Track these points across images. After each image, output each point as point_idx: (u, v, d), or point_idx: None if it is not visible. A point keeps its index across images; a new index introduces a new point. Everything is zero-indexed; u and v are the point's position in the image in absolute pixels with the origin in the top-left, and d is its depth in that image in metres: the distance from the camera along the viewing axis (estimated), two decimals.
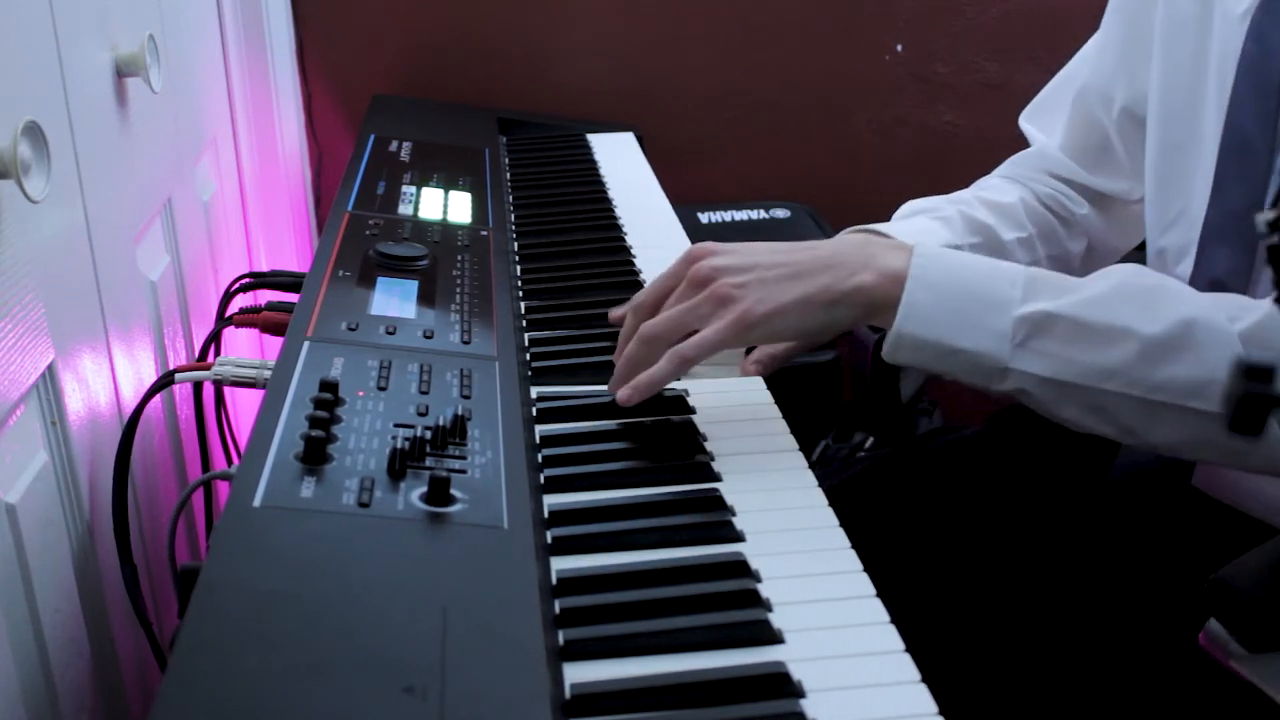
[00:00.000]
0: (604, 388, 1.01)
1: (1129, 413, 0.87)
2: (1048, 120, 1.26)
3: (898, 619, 0.74)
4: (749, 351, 1.11)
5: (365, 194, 1.33)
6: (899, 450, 1.37)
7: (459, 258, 1.17)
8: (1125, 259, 1.32)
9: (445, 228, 1.26)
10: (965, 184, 1.29)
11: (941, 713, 0.66)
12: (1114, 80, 1.16)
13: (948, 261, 0.90)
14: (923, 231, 1.16)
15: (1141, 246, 1.14)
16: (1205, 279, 1.00)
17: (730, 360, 1.08)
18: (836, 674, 0.69)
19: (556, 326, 1.14)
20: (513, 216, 1.42)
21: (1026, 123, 1.28)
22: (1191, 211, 1.03)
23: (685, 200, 1.62)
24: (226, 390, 1.30)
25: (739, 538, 0.82)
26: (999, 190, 1.24)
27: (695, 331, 0.92)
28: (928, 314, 0.88)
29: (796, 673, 0.68)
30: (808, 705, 0.67)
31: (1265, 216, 0.54)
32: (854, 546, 0.82)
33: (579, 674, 0.69)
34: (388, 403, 0.87)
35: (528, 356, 1.07)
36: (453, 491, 0.77)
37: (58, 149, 0.89)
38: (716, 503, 0.85)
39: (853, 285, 0.89)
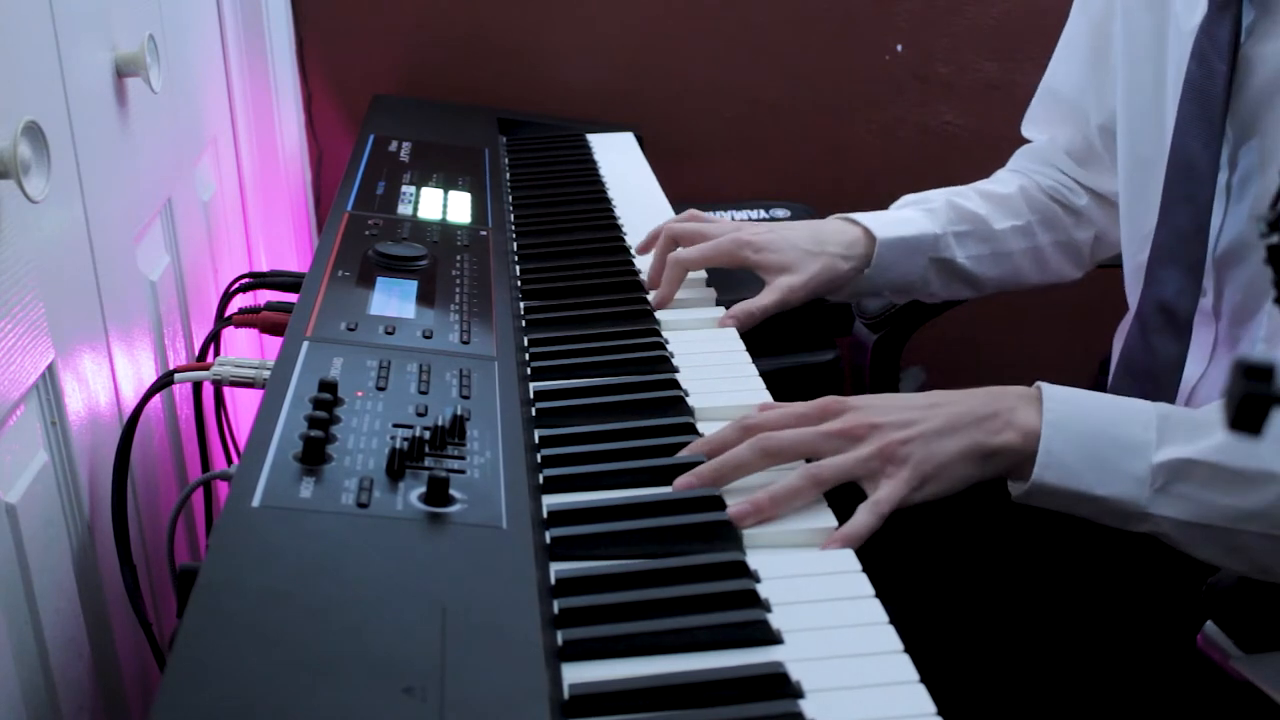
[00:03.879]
0: (601, 382, 1.01)
1: (1269, 553, 0.86)
2: (1041, 127, 1.31)
3: (896, 619, 0.74)
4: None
5: (365, 194, 1.34)
6: None
7: (458, 258, 1.17)
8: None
9: (444, 228, 1.26)
10: (965, 184, 1.31)
11: (941, 713, 0.66)
12: (1083, 98, 1.20)
13: (1079, 404, 0.88)
14: (906, 220, 1.23)
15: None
16: (1154, 300, 1.00)
17: (729, 360, 1.08)
18: (835, 674, 0.69)
19: (556, 327, 1.14)
20: (512, 216, 1.42)
21: (1027, 131, 1.33)
22: None
23: (685, 200, 1.61)
24: (226, 390, 1.30)
25: (737, 537, 0.82)
26: (1000, 182, 1.30)
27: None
28: (1065, 462, 0.87)
29: (795, 673, 0.68)
30: (806, 705, 0.67)
31: (1265, 216, 0.54)
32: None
33: (578, 674, 0.69)
34: (387, 403, 0.87)
35: (527, 356, 1.07)
36: (452, 492, 0.77)
37: (58, 149, 0.89)
38: (715, 502, 0.85)
39: (1000, 443, 0.88)
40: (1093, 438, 0.87)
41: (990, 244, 1.25)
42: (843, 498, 0.86)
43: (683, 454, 0.90)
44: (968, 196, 1.26)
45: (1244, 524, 0.85)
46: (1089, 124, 1.21)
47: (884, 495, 0.85)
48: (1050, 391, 0.89)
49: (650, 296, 1.19)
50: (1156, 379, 1.00)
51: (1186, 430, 0.86)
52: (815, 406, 0.91)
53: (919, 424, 0.87)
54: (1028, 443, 0.87)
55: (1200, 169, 0.97)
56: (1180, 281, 0.98)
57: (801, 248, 1.19)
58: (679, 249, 1.21)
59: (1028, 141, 1.33)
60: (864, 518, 0.84)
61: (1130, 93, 1.08)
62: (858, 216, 1.22)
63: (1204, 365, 1.03)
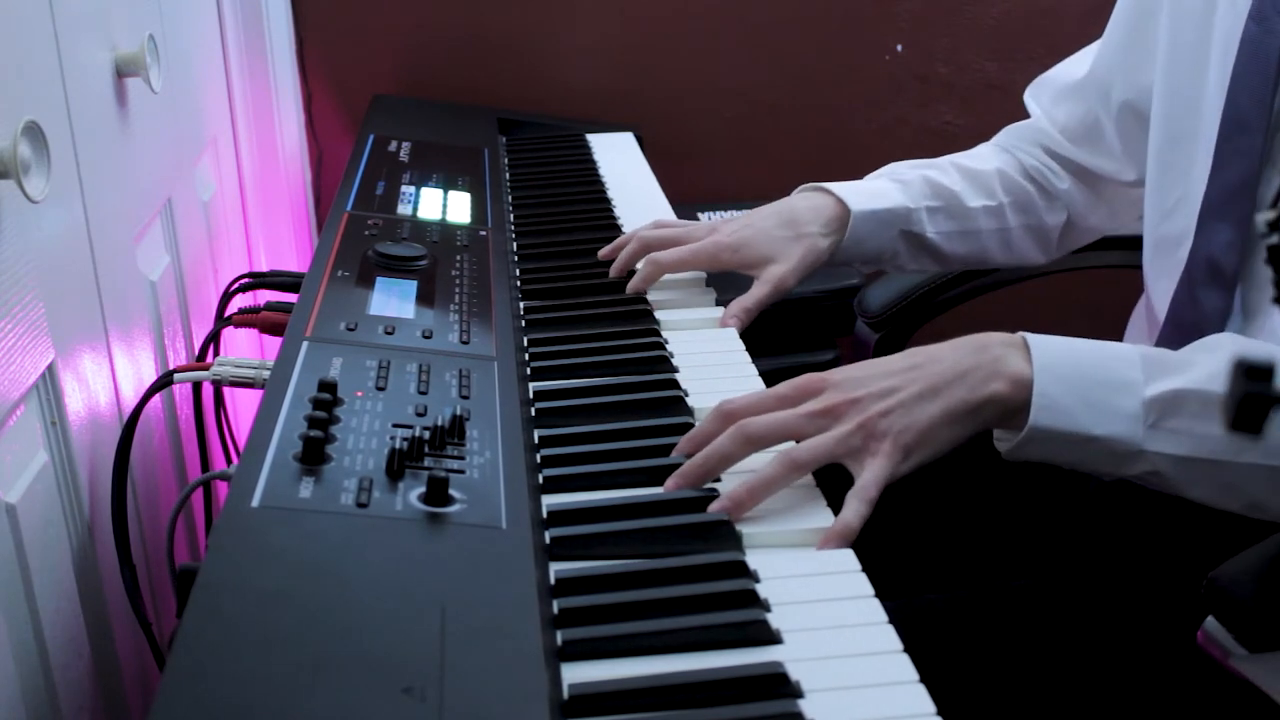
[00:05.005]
0: (601, 382, 1.01)
1: (1260, 486, 0.86)
2: (1047, 97, 1.29)
3: (896, 619, 0.74)
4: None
5: (364, 194, 1.34)
6: None
7: (458, 258, 1.17)
8: (1120, 260, 1.32)
9: (444, 228, 1.26)
10: None
11: (940, 713, 0.66)
12: (1113, 74, 1.18)
13: (1064, 348, 0.88)
14: (879, 193, 1.22)
15: (1138, 245, 1.15)
16: (1202, 256, 1.00)
17: (729, 360, 1.08)
18: (835, 674, 0.69)
19: (556, 327, 1.14)
20: (512, 216, 1.42)
21: (1030, 96, 1.31)
22: (1190, 198, 1.05)
23: (685, 200, 1.62)
24: (226, 390, 1.30)
25: (736, 537, 0.82)
26: (980, 158, 1.29)
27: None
28: (1059, 404, 0.86)
29: (795, 673, 0.68)
30: (806, 705, 0.66)
31: (1265, 216, 0.54)
32: (852, 546, 0.82)
33: (577, 674, 0.69)
34: (386, 403, 0.87)
35: (526, 356, 1.07)
36: (451, 492, 0.77)
37: (58, 149, 0.89)
38: (713, 501, 0.85)
39: (986, 395, 0.87)
40: (1082, 379, 0.87)
41: (960, 221, 1.25)
42: (839, 489, 0.86)
43: (672, 455, 0.90)
44: (944, 170, 1.25)
45: (1238, 455, 0.85)
46: (1108, 102, 1.19)
47: (869, 478, 0.84)
48: (1035, 339, 0.89)
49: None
50: (1202, 332, 1.00)
51: (1172, 365, 0.87)
52: (794, 386, 0.90)
53: (899, 392, 0.87)
54: (1017, 390, 0.87)
55: (1251, 126, 0.97)
56: (1229, 236, 0.98)
57: (778, 235, 1.18)
58: (654, 253, 1.19)
59: (1027, 116, 1.33)
60: (854, 507, 0.83)
61: (1171, 68, 1.08)
62: (829, 186, 1.21)
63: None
